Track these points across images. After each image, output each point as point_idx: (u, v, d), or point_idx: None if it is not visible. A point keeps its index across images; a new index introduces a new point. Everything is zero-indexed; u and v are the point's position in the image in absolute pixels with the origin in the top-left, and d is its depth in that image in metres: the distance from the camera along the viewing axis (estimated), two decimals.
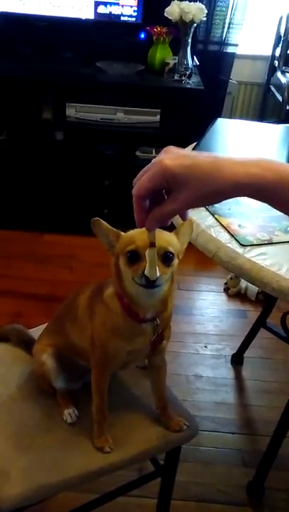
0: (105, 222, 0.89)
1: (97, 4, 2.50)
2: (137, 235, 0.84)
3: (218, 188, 0.56)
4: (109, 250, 0.90)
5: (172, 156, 0.58)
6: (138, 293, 0.89)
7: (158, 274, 0.77)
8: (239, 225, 1.07)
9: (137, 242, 0.83)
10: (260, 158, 0.57)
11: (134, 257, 0.83)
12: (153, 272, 0.76)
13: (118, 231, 0.89)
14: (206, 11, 2.44)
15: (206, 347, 2.09)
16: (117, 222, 0.90)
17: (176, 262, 0.87)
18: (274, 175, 0.56)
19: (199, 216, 1.11)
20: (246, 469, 1.59)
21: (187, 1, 2.39)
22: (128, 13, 2.51)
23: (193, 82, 2.52)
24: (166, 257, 0.84)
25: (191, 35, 2.46)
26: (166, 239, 0.85)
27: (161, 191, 0.59)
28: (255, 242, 1.01)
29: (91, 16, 2.52)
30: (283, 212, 0.59)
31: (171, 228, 0.86)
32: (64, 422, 1.08)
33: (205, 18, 2.48)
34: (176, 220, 0.84)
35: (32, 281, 2.39)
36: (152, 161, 0.59)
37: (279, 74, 2.83)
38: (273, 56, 2.93)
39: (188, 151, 0.60)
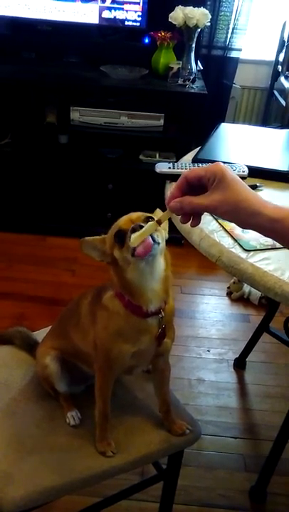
0: (90, 237, 0.92)
1: (101, 9, 2.51)
2: (119, 220, 0.89)
3: (248, 210, 0.66)
4: (103, 259, 0.92)
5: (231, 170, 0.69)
6: (139, 273, 0.88)
7: (136, 245, 0.80)
8: (242, 230, 1.07)
9: (120, 223, 0.88)
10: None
11: (121, 237, 0.86)
12: (136, 239, 0.79)
13: (102, 236, 0.92)
14: (210, 16, 2.45)
15: (208, 351, 2.09)
16: None
17: (164, 234, 0.89)
18: None
19: (203, 221, 1.10)
20: (248, 474, 1.58)
21: (191, 6, 2.40)
22: (132, 18, 2.53)
23: (197, 86, 2.52)
24: (147, 222, 0.85)
25: (195, 40, 2.47)
26: (146, 213, 0.89)
27: (201, 190, 0.69)
28: (258, 247, 1.01)
29: (96, 20, 2.54)
30: None
31: (177, 244, 0.89)
32: (67, 425, 1.08)
33: (209, 23, 2.49)
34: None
35: (35, 283, 2.39)
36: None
37: (282, 79, 2.83)
38: (277, 61, 2.94)
39: None
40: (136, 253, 0.83)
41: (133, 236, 0.80)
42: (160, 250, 0.87)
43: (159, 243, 0.85)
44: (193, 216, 0.73)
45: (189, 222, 0.74)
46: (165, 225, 0.91)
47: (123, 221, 0.89)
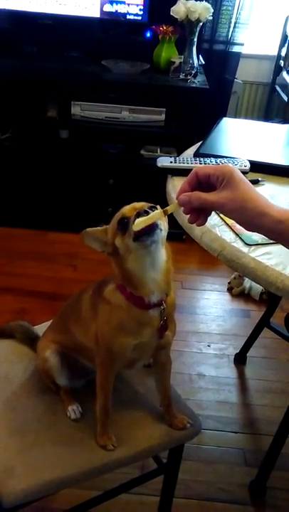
0: (91, 228, 0.92)
1: (103, 3, 2.50)
2: (123, 209, 0.89)
3: (254, 211, 0.67)
4: (105, 249, 0.92)
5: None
6: (140, 262, 0.89)
7: (138, 229, 0.80)
8: None
9: (124, 211, 0.88)
10: None
11: (124, 224, 0.87)
12: (140, 224, 0.79)
13: (104, 226, 0.93)
14: (212, 10, 2.44)
15: (209, 346, 2.09)
16: None
17: (166, 225, 0.89)
18: None
19: None
20: (248, 468, 1.59)
21: (193, 0, 2.38)
22: (134, 12, 2.51)
23: (199, 81, 2.52)
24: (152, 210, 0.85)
25: (196, 34, 2.46)
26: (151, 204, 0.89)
27: (209, 189, 0.71)
28: (260, 242, 1.01)
29: (97, 14, 2.53)
30: None
31: (178, 239, 0.90)
32: (68, 419, 1.08)
33: (211, 17, 2.48)
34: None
35: (36, 278, 2.39)
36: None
37: (284, 74, 2.82)
38: (279, 56, 2.93)
39: None
40: (138, 232, 0.82)
41: (137, 220, 0.79)
42: (162, 238, 0.87)
43: (162, 230, 0.85)
44: (200, 215, 0.73)
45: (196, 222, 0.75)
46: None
47: (127, 209, 0.89)
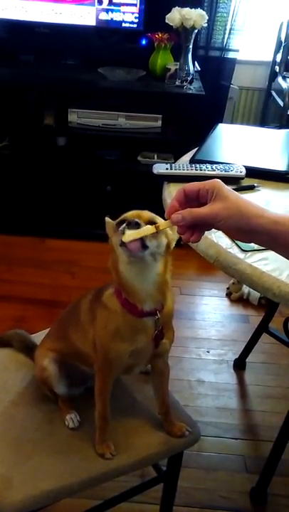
0: (110, 220, 0.93)
1: (98, 11, 2.52)
2: (129, 212, 0.89)
3: (250, 213, 0.67)
4: (110, 241, 0.93)
5: None
6: (128, 267, 0.89)
7: (127, 241, 0.80)
8: None
9: (128, 213, 0.89)
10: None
11: (120, 225, 0.86)
12: (129, 236, 0.79)
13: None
14: (207, 17, 2.46)
15: (208, 352, 2.09)
16: None
17: (163, 241, 0.88)
18: None
19: None
20: (249, 475, 1.58)
21: (188, 8, 2.40)
22: (129, 20, 2.53)
23: (195, 87, 2.53)
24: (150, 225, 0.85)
25: (192, 41, 2.48)
26: (156, 216, 0.89)
27: (199, 205, 0.70)
28: (256, 248, 1.01)
29: (93, 22, 2.54)
30: None
31: (176, 245, 0.92)
32: (66, 427, 1.08)
33: (206, 24, 2.50)
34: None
35: (34, 286, 2.39)
36: None
37: (280, 79, 2.84)
38: (274, 61, 2.94)
39: None
40: (123, 243, 0.83)
41: (128, 232, 0.80)
42: (148, 254, 0.86)
43: (147, 247, 0.84)
44: (194, 231, 0.72)
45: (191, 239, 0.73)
46: (174, 235, 0.91)
47: (131, 213, 0.89)
